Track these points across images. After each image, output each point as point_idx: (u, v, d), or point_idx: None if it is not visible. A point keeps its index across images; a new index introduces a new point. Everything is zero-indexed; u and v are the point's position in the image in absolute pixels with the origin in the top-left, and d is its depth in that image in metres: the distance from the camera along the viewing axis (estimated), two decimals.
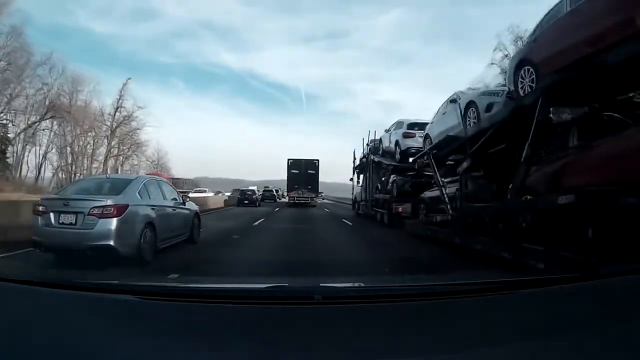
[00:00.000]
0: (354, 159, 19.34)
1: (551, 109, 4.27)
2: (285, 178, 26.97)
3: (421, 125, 10.10)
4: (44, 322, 1.01)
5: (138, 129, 41.53)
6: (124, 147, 42.42)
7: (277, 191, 36.79)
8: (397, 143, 11.73)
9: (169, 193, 6.62)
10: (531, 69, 4.89)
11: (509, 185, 5.11)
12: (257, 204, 26.05)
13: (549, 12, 4.72)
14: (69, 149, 37.97)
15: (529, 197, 4.75)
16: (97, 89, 39.68)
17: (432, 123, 8.64)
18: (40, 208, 5.20)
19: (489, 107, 6.31)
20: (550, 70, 4.51)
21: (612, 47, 3.58)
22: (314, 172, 26.41)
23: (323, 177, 29.17)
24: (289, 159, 27.11)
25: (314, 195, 26.42)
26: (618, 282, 1.40)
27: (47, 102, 33.87)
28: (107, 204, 5.04)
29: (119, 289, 1.26)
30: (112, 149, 41.00)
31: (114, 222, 4.96)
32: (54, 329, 0.97)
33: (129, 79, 42.24)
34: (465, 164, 6.70)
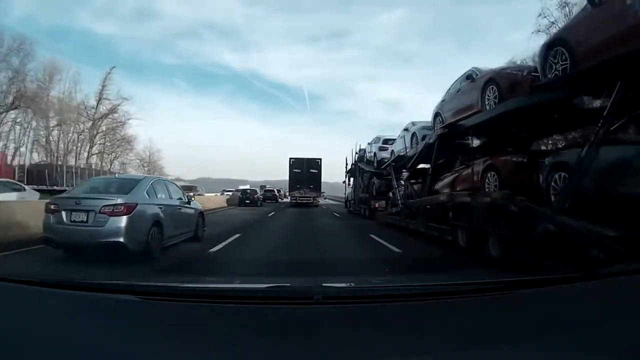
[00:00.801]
0: (346, 164, 22.50)
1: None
2: (287, 178, 26.44)
3: (392, 141, 13.00)
4: (44, 322, 1.00)
5: (123, 122, 37.34)
6: (110, 143, 38.18)
7: (278, 191, 36.30)
8: (375, 154, 14.73)
9: (174, 192, 6.84)
10: (441, 117, 8.22)
11: (426, 189, 8.52)
12: (259, 204, 25.74)
13: (449, 89, 8.09)
14: (51, 144, 33.21)
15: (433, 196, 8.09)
16: (78, 79, 35.07)
17: (395, 142, 12.18)
18: (52, 206, 5.36)
19: (424, 137, 9.40)
20: (443, 123, 7.96)
21: (474, 114, 6.53)
22: (316, 171, 25.74)
23: (325, 177, 28.68)
24: (290, 158, 26.45)
25: (316, 195, 25.78)
26: (618, 282, 1.40)
27: (15, 91, 28.99)
28: (118, 202, 5.22)
29: (119, 289, 1.26)
30: (95, 145, 36.96)
31: (123, 220, 5.15)
32: (54, 329, 0.97)
33: (113, 67, 37.62)
34: (406, 174, 11.24)
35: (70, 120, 34.22)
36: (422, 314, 1.10)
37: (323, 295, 1.15)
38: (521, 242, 4.35)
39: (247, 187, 30.86)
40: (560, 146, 9.80)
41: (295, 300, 1.17)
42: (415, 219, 8.57)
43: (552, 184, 4.40)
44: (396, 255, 6.25)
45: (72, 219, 5.19)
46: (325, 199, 35.22)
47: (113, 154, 38.94)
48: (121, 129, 38.00)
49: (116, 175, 7.16)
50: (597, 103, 4.38)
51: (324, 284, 1.47)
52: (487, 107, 6.07)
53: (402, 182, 11.44)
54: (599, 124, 3.68)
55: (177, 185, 7.35)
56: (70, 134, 35.07)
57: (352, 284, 1.57)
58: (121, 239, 5.08)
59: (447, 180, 8.02)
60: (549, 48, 4.68)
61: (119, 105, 36.67)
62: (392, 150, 12.11)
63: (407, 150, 9.92)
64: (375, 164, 14.53)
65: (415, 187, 9.87)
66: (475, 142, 7.13)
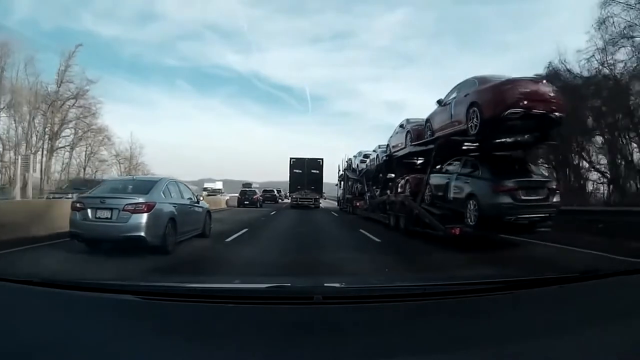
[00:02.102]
0: (339, 170, 26.11)
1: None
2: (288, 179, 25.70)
3: (370, 155, 17.00)
4: (44, 322, 1.01)
5: (92, 110, 31.14)
6: (80, 135, 31.92)
7: (278, 192, 35.67)
8: (357, 165, 19.25)
9: (185, 192, 7.60)
10: (390, 149, 12.47)
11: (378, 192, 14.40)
12: (259, 205, 25.37)
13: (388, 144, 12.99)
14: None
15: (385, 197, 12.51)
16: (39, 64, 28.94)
17: (391, 137, 14.22)
18: (78, 205, 6.01)
19: (379, 158, 14.30)
20: (392, 152, 12.07)
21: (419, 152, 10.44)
22: (317, 171, 25.02)
23: (327, 178, 28.18)
24: (291, 158, 25.66)
25: (318, 197, 24.98)
26: (618, 282, 1.40)
27: None
28: (139, 201, 5.88)
29: (119, 289, 1.26)
30: (60, 137, 30.77)
31: (144, 217, 5.80)
32: (54, 329, 0.97)
33: (80, 45, 31.51)
34: (371, 182, 16.16)
35: (25, 103, 28.35)
36: (422, 314, 1.10)
37: (323, 295, 1.15)
38: (411, 220, 8.84)
39: (256, 186, 30.67)
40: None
41: (295, 300, 1.17)
42: (374, 211, 13.53)
43: (425, 191, 8.68)
44: (359, 227, 11.26)
45: (97, 216, 5.81)
46: (325, 199, 35.17)
47: (89, 148, 33.24)
48: (91, 119, 31.86)
49: (134, 177, 7.95)
50: (429, 156, 8.90)
51: (324, 284, 1.47)
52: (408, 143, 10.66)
53: (370, 187, 16.24)
54: (430, 166, 8.68)
55: (187, 186, 8.04)
56: (44, 127, 29.77)
57: (352, 284, 1.57)
58: (142, 233, 5.72)
59: (389, 186, 13.24)
60: (426, 122, 9.15)
61: (87, 89, 30.32)
62: (371, 160, 16.43)
63: (403, 145, 11.30)
64: (357, 173, 19.02)
65: (375, 191, 15.22)
66: (401, 166, 11.91)
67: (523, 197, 6.36)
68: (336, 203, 27.47)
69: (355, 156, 20.33)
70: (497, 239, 7.38)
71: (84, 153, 33.60)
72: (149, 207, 5.88)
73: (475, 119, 6.77)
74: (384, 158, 13.23)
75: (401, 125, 11.42)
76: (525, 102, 6.13)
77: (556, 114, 6.38)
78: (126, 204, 5.81)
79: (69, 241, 6.07)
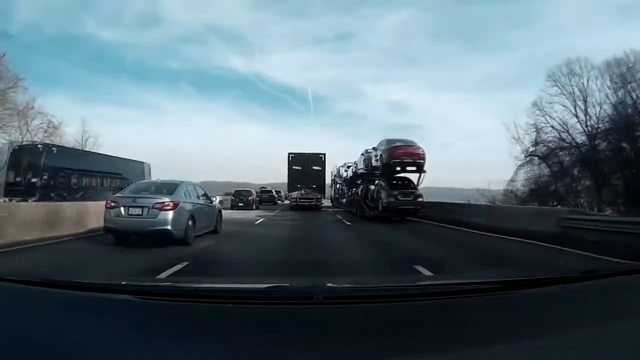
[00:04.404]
0: (331, 175, 30.05)
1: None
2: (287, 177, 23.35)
3: (352, 165, 22.27)
4: (44, 322, 1.00)
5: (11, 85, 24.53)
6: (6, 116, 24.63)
7: (277, 192, 33.63)
8: (344, 172, 24.61)
9: (201, 194, 8.68)
10: (356, 167, 21.14)
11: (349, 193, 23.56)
12: (254, 207, 23.08)
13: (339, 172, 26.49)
14: None
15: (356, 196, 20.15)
16: None
17: (357, 161, 21.23)
18: (112, 204, 7.08)
19: (353, 171, 21.83)
20: (350, 182, 23.00)
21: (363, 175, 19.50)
22: (319, 168, 22.94)
23: (330, 176, 28.39)
24: (290, 153, 23.14)
25: (319, 196, 22.84)
26: (618, 282, 1.40)
27: None
28: (166, 200, 6.97)
29: (119, 289, 1.26)
30: None
31: (170, 214, 6.90)
32: (54, 329, 0.97)
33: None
34: (347, 187, 23.81)
35: None
36: (422, 314, 1.09)
37: (323, 295, 1.15)
38: (360, 209, 17.09)
39: (265, 187, 31.15)
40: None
41: (295, 300, 1.17)
42: (348, 205, 21.44)
43: (366, 194, 16.90)
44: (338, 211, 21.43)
45: (129, 213, 6.89)
46: (326, 199, 35.20)
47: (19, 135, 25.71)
48: (10, 96, 25.19)
49: (158, 180, 8.88)
50: (368, 176, 17.99)
51: (324, 284, 1.47)
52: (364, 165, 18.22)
53: (348, 190, 23.43)
54: (366, 182, 18.12)
55: (203, 189, 9.14)
56: None
57: (352, 284, 1.57)
58: (169, 227, 6.82)
59: (354, 190, 20.84)
60: (366, 157, 18.01)
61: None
62: (350, 171, 22.68)
63: (359, 167, 19.45)
64: (341, 179, 25.59)
65: (349, 192, 22.45)
66: (359, 179, 19.83)
67: (400, 199, 13.84)
68: (329, 201, 32.03)
69: (341, 166, 26.48)
70: (391, 217, 14.04)
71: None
72: (174, 206, 6.97)
73: (379, 162, 15.35)
74: (352, 173, 21.53)
75: (362, 154, 18.87)
76: (402, 156, 14.30)
77: (419, 161, 14.37)
78: (155, 203, 6.88)
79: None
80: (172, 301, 1.15)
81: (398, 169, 14.78)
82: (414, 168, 14.55)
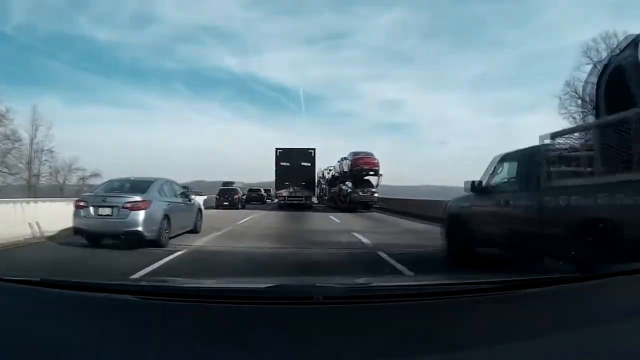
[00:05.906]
0: (317, 176, 31.80)
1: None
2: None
3: (333, 168, 27.58)
4: (44, 322, 1.00)
5: None
6: None
7: (267, 191, 32.11)
8: (327, 174, 30.84)
9: (179, 192, 8.28)
10: (335, 170, 28.12)
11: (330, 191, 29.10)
12: (240, 206, 21.57)
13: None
14: None
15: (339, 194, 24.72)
16: None
17: (333, 168, 28.59)
18: (82, 203, 6.65)
19: (334, 172, 28.77)
20: (330, 182, 29.50)
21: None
22: (309, 164, 22.08)
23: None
24: (277, 149, 22.08)
25: (309, 194, 22.16)
26: (618, 282, 1.40)
27: None
28: (137, 199, 6.52)
29: (118, 289, 1.25)
30: None
31: (142, 214, 6.45)
32: (53, 329, 0.97)
33: None
34: (329, 186, 29.84)
35: None
36: (422, 313, 1.09)
37: (323, 295, 1.15)
38: (336, 204, 23.16)
39: (239, 185, 27.82)
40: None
41: (294, 300, 1.17)
42: (330, 201, 26.18)
43: (341, 192, 22.39)
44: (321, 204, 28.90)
45: (99, 213, 6.45)
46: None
47: None
48: None
49: (132, 177, 8.46)
50: (342, 179, 23.96)
51: (324, 284, 1.47)
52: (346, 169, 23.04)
53: (330, 189, 28.08)
54: (340, 183, 23.71)
55: (180, 186, 8.74)
56: None
57: (352, 284, 1.57)
58: (140, 228, 6.36)
59: (333, 189, 26.00)
60: (341, 164, 25.09)
61: None
62: (330, 173, 28.76)
63: (337, 170, 25.04)
64: (325, 180, 31.39)
65: (330, 190, 27.03)
66: (337, 180, 25.34)
67: (361, 194, 20.10)
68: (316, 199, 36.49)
69: (325, 169, 31.90)
70: (356, 208, 19.75)
71: None
72: (145, 205, 6.52)
73: (347, 168, 22.13)
74: (332, 175, 27.98)
75: (338, 161, 25.16)
76: (362, 164, 21.12)
77: (374, 168, 21.18)
78: (125, 202, 6.42)
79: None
80: (172, 301, 1.15)
81: (363, 173, 21.14)
82: (372, 172, 21.20)
